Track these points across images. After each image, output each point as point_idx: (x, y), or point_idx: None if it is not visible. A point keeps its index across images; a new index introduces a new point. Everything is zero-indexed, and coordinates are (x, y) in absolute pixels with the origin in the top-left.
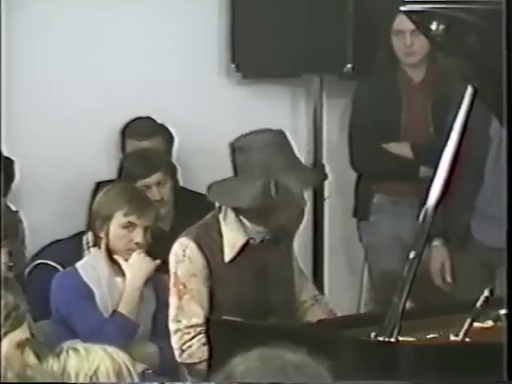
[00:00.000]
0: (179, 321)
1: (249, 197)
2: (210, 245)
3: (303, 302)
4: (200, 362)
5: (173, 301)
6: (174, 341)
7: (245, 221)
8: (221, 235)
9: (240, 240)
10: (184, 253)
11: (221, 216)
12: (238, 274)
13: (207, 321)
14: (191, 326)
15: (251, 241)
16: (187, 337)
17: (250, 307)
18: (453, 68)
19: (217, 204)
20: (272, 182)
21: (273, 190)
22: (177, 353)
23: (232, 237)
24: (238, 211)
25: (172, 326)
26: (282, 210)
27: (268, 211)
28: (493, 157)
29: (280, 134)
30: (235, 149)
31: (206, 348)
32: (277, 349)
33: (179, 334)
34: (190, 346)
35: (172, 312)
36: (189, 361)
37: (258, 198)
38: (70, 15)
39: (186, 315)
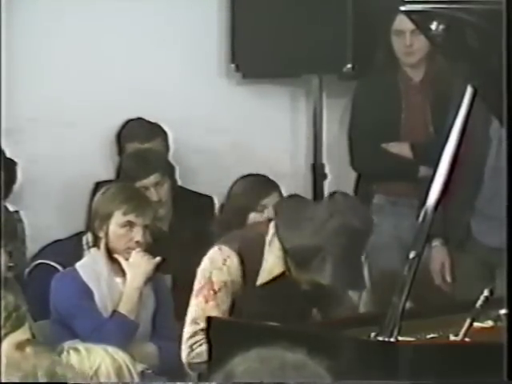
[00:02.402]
0: (197, 323)
1: (295, 243)
2: (249, 262)
3: None
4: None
5: (197, 302)
6: (185, 340)
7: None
8: (262, 256)
9: (278, 269)
10: (225, 262)
11: (267, 238)
12: (262, 298)
13: (208, 321)
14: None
15: (287, 273)
16: (199, 337)
17: None
18: (452, 68)
19: (216, 205)
20: (319, 254)
21: (313, 259)
22: (185, 352)
23: (271, 263)
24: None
25: (188, 327)
26: (306, 271)
27: (298, 264)
28: (493, 157)
29: (371, 227)
30: (330, 199)
31: None
32: (276, 349)
33: (192, 333)
34: (200, 345)
35: (193, 313)
36: (197, 360)
37: (298, 250)
38: (69, 16)
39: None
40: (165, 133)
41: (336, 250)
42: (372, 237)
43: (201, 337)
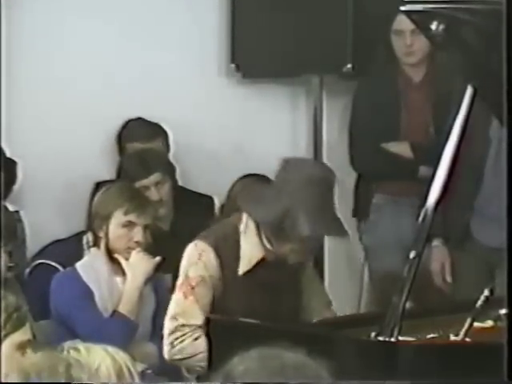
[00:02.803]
0: (176, 319)
1: (264, 215)
2: (226, 254)
3: (313, 309)
4: (190, 357)
5: (176, 298)
6: (166, 336)
7: (263, 236)
8: (238, 246)
9: (257, 256)
10: (200, 256)
11: (241, 227)
12: (248, 287)
13: (207, 322)
14: (187, 325)
15: (268, 257)
16: (179, 333)
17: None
18: (452, 68)
19: (216, 205)
20: (289, 213)
21: (285, 221)
22: (166, 348)
23: (249, 251)
24: (258, 225)
25: (168, 323)
26: (287, 240)
27: (276, 236)
28: (493, 157)
29: (331, 175)
30: (284, 164)
31: (197, 343)
32: (276, 349)
33: (172, 329)
34: (181, 342)
35: (172, 309)
36: (178, 356)
37: (270, 220)
38: (69, 16)
39: (185, 315)
40: (165, 133)
41: (304, 202)
42: (372, 237)
43: (181, 333)
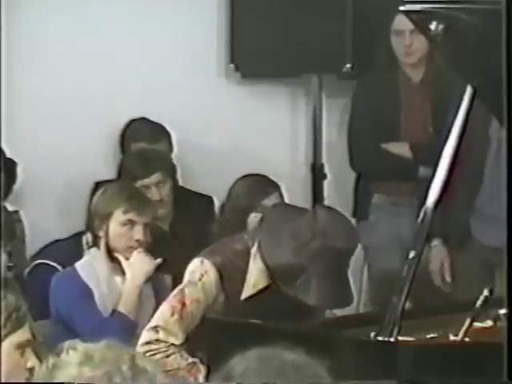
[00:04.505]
0: (157, 331)
1: (277, 262)
2: (231, 275)
3: None
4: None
5: (164, 308)
6: (140, 344)
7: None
8: (246, 268)
9: (262, 283)
10: (201, 277)
11: (253, 250)
12: (250, 312)
13: (206, 320)
14: (163, 342)
15: (273, 285)
16: (154, 347)
17: None
18: (452, 68)
19: (216, 205)
20: (302, 274)
21: (296, 278)
22: None
23: (256, 277)
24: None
25: (147, 333)
26: (291, 289)
27: (282, 282)
28: (492, 157)
29: (355, 242)
30: (313, 215)
31: (168, 360)
32: (276, 349)
33: (148, 340)
34: (152, 355)
35: (156, 319)
36: None
37: (280, 270)
38: (69, 15)
39: (166, 331)
40: (169, 134)
41: (320, 270)
42: (372, 237)
43: (155, 347)
